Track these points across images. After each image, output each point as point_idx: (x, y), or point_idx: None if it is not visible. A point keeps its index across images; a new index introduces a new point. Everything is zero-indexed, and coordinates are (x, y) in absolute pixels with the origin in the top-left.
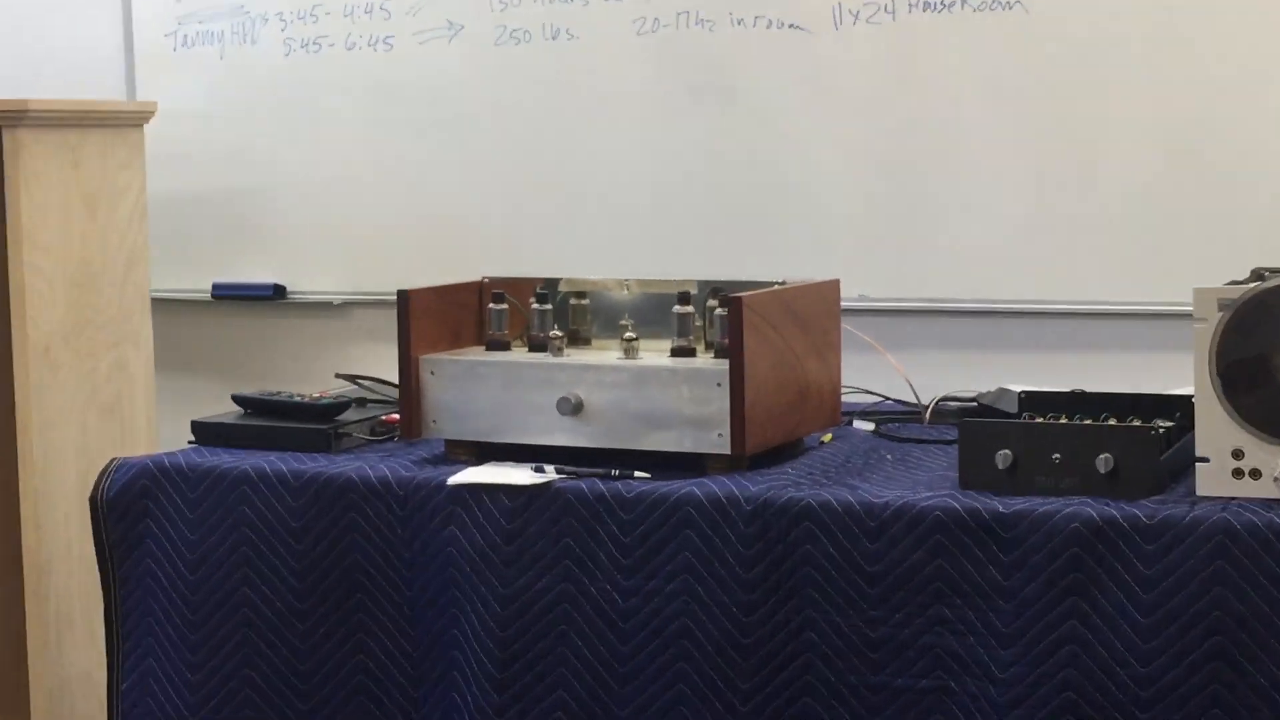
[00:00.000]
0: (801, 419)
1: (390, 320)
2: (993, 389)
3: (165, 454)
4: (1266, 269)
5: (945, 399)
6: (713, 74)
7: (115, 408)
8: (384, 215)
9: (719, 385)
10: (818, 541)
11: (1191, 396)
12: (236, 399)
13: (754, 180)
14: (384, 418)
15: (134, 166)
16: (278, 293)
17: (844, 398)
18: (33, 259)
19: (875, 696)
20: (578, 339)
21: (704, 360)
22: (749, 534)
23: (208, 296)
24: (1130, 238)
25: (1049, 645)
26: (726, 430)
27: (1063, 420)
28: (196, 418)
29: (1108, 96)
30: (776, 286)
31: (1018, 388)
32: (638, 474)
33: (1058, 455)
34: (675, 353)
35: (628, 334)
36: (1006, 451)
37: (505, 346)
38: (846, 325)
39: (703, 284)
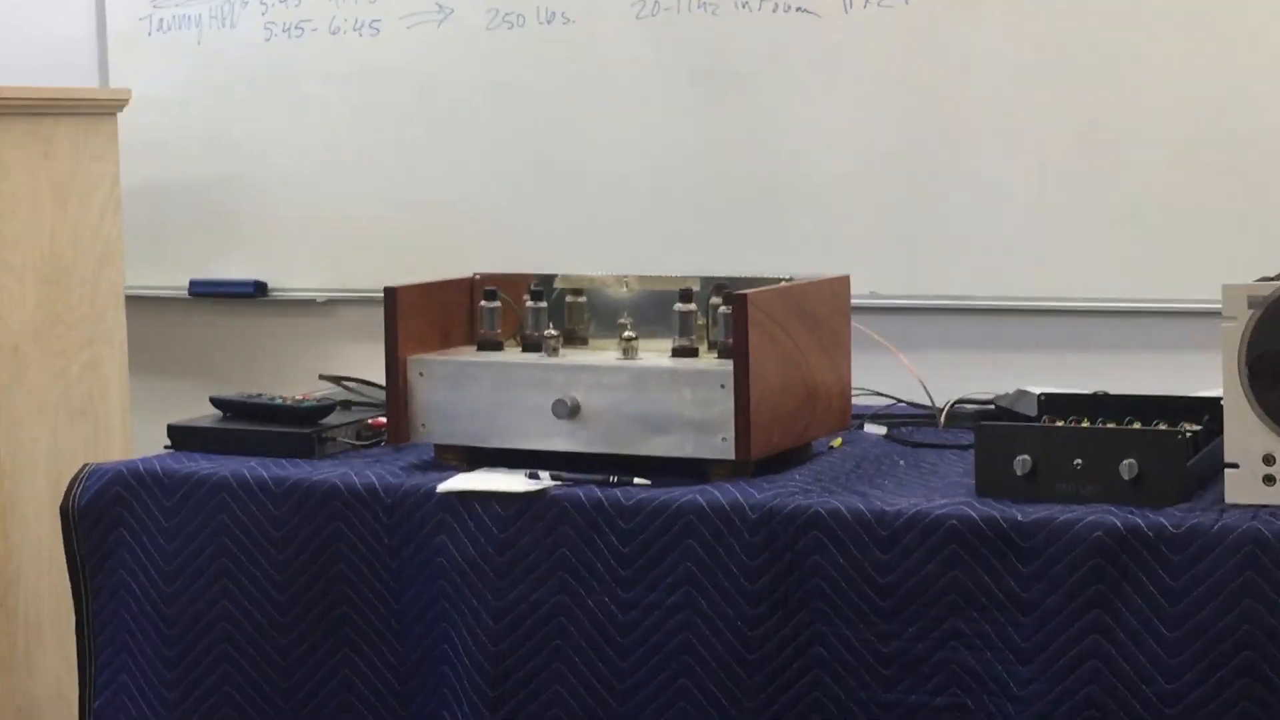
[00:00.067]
0: (809, 423)
1: (377, 319)
2: (1010, 391)
3: (140, 459)
4: None
5: (961, 401)
6: (716, 59)
7: (87, 410)
8: (370, 209)
9: (723, 387)
10: (827, 552)
11: (1220, 398)
12: (215, 402)
13: (759, 171)
14: (370, 421)
15: (107, 157)
16: (258, 290)
17: (854, 400)
18: (0, 254)
19: (887, 715)
20: (574, 338)
21: (707, 361)
22: (754, 544)
23: (185, 294)
24: (1155, 231)
25: (1070, 661)
26: (731, 434)
27: (1084, 424)
28: (173, 421)
29: (1130, 84)
30: (783, 283)
31: (1037, 389)
32: (637, 480)
33: (1079, 461)
34: (677, 353)
35: (627, 333)
36: (1025, 457)
37: (498, 346)
38: (857, 324)
39: (705, 280)
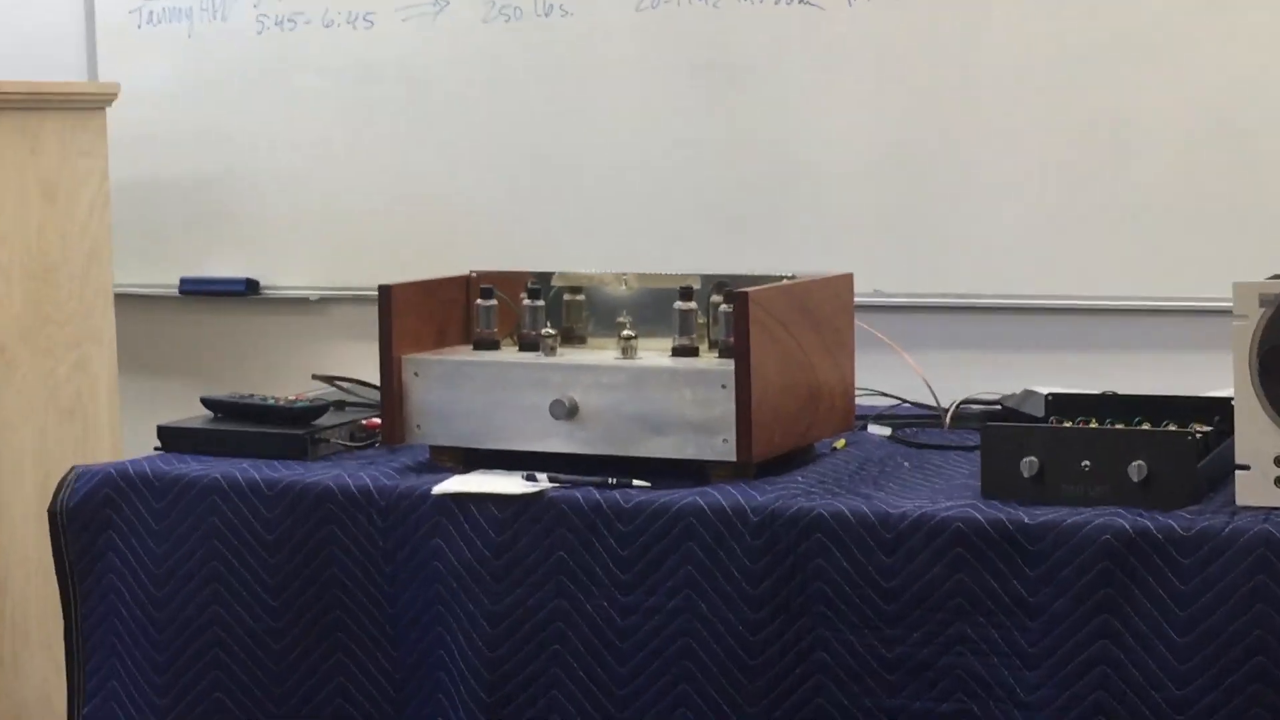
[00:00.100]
0: (812, 423)
1: (371, 317)
2: (1017, 391)
3: (129, 461)
4: None
5: (966, 402)
6: (717, 53)
7: (76, 411)
8: (364, 205)
9: (723, 387)
10: (830, 555)
11: (1231, 398)
12: (206, 402)
13: (761, 167)
14: (364, 422)
15: (96, 152)
16: (250, 288)
17: (858, 400)
18: None
19: None
20: (572, 337)
21: (707, 360)
22: (756, 547)
23: (175, 292)
24: (1164, 227)
25: (1078, 666)
26: (732, 435)
27: (1092, 424)
28: (163, 422)
29: (1138, 78)
30: (785, 281)
31: (1044, 389)
32: (636, 482)
33: (1087, 462)
34: (677, 352)
35: (625, 332)
36: (1032, 458)
37: (494, 345)
38: (860, 322)
39: (706, 278)
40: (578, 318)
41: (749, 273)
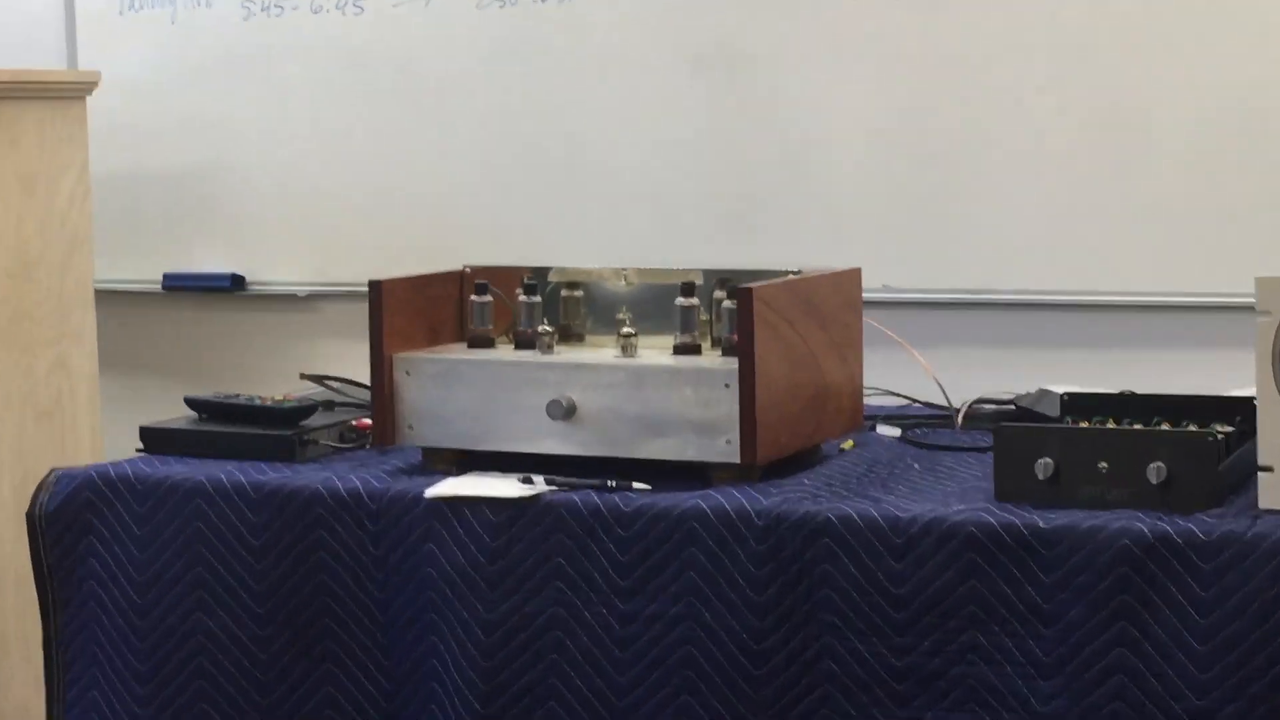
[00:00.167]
0: (819, 424)
1: (361, 314)
2: (1032, 390)
3: (111, 463)
4: None
5: (979, 401)
6: (719, 41)
7: (55, 411)
8: (354, 198)
9: (727, 386)
10: (837, 560)
11: (1253, 398)
12: (190, 402)
13: (765, 159)
14: (354, 423)
15: (76, 142)
16: (236, 284)
17: (866, 400)
18: None
19: None
20: (570, 335)
21: (710, 359)
22: (760, 552)
23: (158, 288)
24: (1183, 221)
25: (1095, 675)
26: (735, 436)
27: (1110, 425)
28: (145, 423)
29: (1156, 70)
30: (791, 276)
31: (1059, 389)
32: (636, 485)
33: (1104, 464)
34: (678, 350)
35: (625, 329)
36: (1047, 460)
37: (489, 343)
38: (869, 319)
39: (709, 273)
40: (576, 314)
41: (753, 268)
